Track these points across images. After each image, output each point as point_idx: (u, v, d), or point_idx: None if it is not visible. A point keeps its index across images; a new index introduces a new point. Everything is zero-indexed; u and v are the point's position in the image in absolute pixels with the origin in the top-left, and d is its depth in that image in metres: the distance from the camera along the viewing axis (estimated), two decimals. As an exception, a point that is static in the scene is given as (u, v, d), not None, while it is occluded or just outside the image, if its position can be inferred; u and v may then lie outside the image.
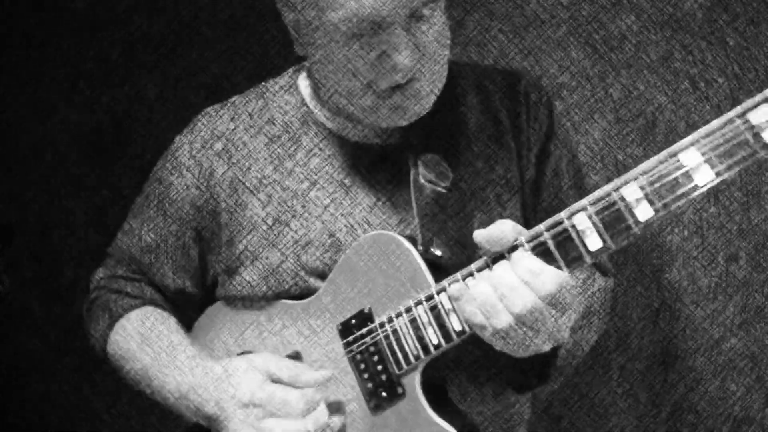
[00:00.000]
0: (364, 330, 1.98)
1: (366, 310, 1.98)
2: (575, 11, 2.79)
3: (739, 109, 1.54)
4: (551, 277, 1.71)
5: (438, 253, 1.97)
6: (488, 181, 2.09)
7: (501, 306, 1.73)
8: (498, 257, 1.79)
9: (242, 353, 2.14)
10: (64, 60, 3.40)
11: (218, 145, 2.17)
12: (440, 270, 1.93)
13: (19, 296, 3.25)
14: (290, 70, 2.25)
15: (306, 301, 2.08)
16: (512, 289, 1.72)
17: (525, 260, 1.73)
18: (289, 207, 2.10)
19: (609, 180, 1.67)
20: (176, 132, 2.25)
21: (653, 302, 2.79)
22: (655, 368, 2.80)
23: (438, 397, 1.95)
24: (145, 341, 2.17)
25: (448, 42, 1.97)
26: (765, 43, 2.57)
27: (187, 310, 2.29)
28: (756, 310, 2.67)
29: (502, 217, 2.02)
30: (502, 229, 1.77)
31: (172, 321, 2.22)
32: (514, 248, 1.78)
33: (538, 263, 1.72)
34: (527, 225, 2.08)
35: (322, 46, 1.93)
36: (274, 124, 2.17)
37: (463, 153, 2.10)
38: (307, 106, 2.17)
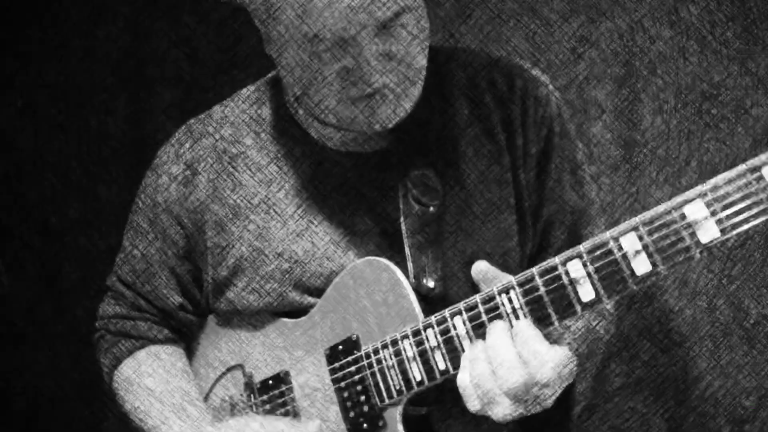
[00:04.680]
0: (350, 358, 1.86)
1: (354, 338, 1.86)
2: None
3: (751, 163, 1.36)
4: (551, 362, 1.60)
5: (430, 285, 1.83)
6: (479, 191, 1.93)
7: (498, 390, 1.63)
8: (490, 298, 1.67)
9: (230, 369, 2.08)
10: (66, 61, 3.28)
11: (200, 162, 2.04)
12: (431, 300, 1.82)
13: (20, 296, 3.20)
14: (269, 76, 2.10)
15: (300, 320, 1.96)
16: (509, 369, 1.60)
17: (528, 339, 1.61)
18: (271, 218, 1.97)
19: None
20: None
21: (653, 302, 2.67)
22: (656, 368, 2.70)
23: (420, 430, 1.86)
24: (136, 400, 2.09)
25: (426, 39, 1.80)
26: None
27: (193, 326, 2.17)
28: (756, 310, 2.58)
29: (494, 236, 1.91)
30: (497, 276, 1.68)
31: (167, 368, 2.11)
32: (506, 290, 1.64)
33: (541, 345, 1.60)
34: (524, 240, 1.95)
35: (288, 56, 1.77)
36: (251, 137, 2.03)
37: (452, 160, 1.93)
38: (287, 114, 2.01)
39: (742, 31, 2.47)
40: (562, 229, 1.96)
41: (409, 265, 1.85)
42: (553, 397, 1.65)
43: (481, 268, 1.69)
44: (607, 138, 2.66)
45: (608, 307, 2.00)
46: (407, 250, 1.86)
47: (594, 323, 1.93)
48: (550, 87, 1.99)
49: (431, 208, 1.87)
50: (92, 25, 3.20)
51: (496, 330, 1.64)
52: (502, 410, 1.62)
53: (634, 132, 2.64)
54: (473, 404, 1.65)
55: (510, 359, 1.59)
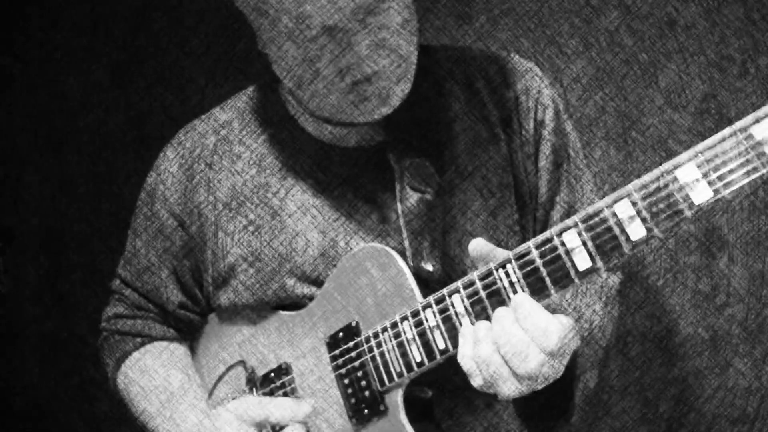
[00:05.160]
0: (351, 344, 1.86)
1: (353, 324, 1.86)
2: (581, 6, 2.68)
3: (741, 123, 1.37)
4: (556, 332, 1.58)
5: (429, 268, 1.84)
6: (477, 185, 1.93)
7: (507, 371, 1.61)
8: (487, 274, 1.66)
9: (233, 365, 2.08)
10: (66, 61, 3.32)
11: (200, 163, 2.06)
12: (430, 284, 1.81)
13: (20, 297, 3.21)
14: (269, 76, 2.10)
15: (300, 311, 1.97)
16: (517, 353, 1.58)
17: (530, 313, 1.59)
18: (270, 217, 1.98)
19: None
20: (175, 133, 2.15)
21: (653, 302, 2.67)
22: (655, 368, 2.70)
23: (421, 414, 1.85)
24: (139, 393, 2.11)
25: (414, 28, 1.80)
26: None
27: (195, 324, 2.19)
28: (756, 310, 2.57)
29: (493, 223, 1.92)
30: (498, 256, 1.66)
31: (169, 362, 2.14)
32: (503, 265, 1.64)
33: (543, 317, 1.58)
34: (524, 228, 1.97)
35: (278, 50, 1.79)
36: (250, 137, 2.05)
37: (449, 154, 1.94)
38: (286, 113, 2.04)
39: (743, 31, 2.48)
40: (561, 220, 1.96)
41: (407, 249, 1.85)
42: (559, 371, 1.64)
43: (477, 244, 1.67)
44: (607, 136, 2.66)
45: (612, 280, 2.01)
46: (405, 236, 1.86)
47: (596, 321, 1.93)
48: (546, 82, 2.00)
49: (427, 195, 1.88)
50: (92, 24, 3.22)
51: (501, 317, 1.62)
52: (510, 390, 1.61)
53: (634, 132, 2.64)
54: (477, 381, 1.63)
55: (519, 343, 1.58)
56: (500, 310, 1.62)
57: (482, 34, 2.78)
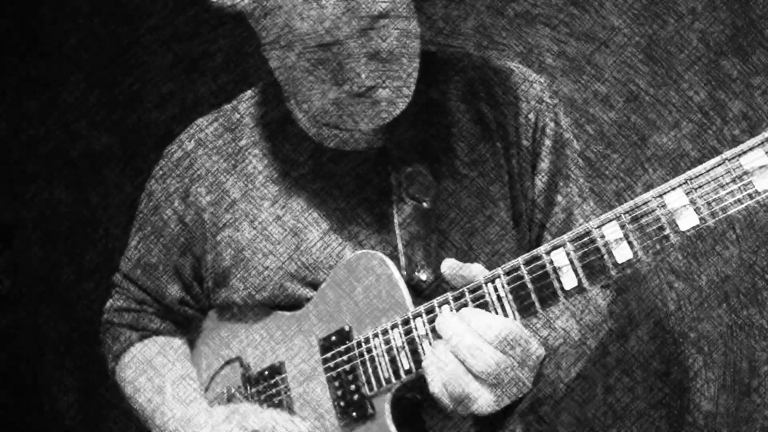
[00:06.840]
0: (342, 348, 1.88)
1: (346, 328, 1.88)
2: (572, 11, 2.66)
3: (730, 152, 1.37)
4: (498, 325, 1.61)
5: (422, 277, 1.85)
6: (474, 195, 1.94)
7: (463, 370, 1.63)
8: (477, 287, 1.68)
9: (229, 361, 2.11)
10: (65, 59, 3.31)
11: (203, 163, 2.07)
12: (424, 293, 1.83)
13: (20, 296, 3.21)
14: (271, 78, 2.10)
15: (295, 312, 1.99)
16: (469, 345, 1.62)
17: (472, 311, 1.65)
18: (270, 219, 1.99)
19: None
20: (178, 130, 2.16)
21: (653, 302, 2.67)
22: (655, 368, 2.70)
23: (409, 418, 1.87)
24: (137, 385, 2.14)
25: (416, 38, 1.81)
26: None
27: (194, 320, 2.21)
28: (756, 310, 2.57)
29: (488, 234, 1.92)
30: (472, 271, 1.69)
31: (168, 355, 2.16)
32: (492, 279, 1.66)
33: (485, 314, 1.63)
34: (522, 240, 1.97)
35: (281, 57, 1.79)
36: (252, 137, 2.06)
37: (447, 163, 1.94)
38: (287, 115, 2.04)
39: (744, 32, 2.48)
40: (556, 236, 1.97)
41: (401, 258, 1.86)
42: (527, 381, 1.67)
43: (448, 264, 1.69)
44: (608, 146, 2.66)
45: (601, 301, 2.01)
46: (399, 244, 1.87)
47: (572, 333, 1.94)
48: (546, 89, 2.00)
49: (424, 204, 1.89)
50: (91, 22, 3.22)
51: (446, 319, 1.66)
52: (482, 401, 1.63)
53: (635, 139, 2.64)
54: (443, 395, 1.66)
55: (468, 336, 1.61)
56: (445, 314, 1.66)
57: (484, 35, 2.78)
